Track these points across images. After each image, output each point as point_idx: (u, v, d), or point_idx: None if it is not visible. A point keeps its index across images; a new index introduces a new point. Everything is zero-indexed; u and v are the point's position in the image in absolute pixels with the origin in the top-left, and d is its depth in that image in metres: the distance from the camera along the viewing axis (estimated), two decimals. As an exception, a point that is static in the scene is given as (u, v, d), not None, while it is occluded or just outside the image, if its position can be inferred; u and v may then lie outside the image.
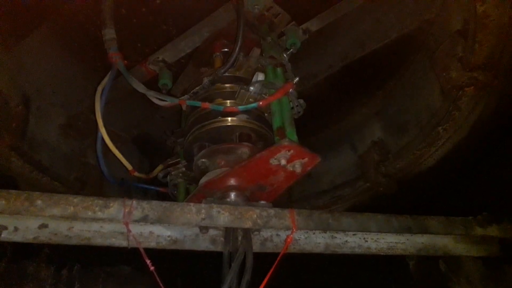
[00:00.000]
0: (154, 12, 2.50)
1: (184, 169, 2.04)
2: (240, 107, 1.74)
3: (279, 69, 1.90)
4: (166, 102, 1.79)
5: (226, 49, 2.27)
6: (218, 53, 2.25)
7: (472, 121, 2.13)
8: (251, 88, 1.75)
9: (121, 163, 2.09)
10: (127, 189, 2.85)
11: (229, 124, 1.90)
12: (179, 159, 2.07)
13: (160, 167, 2.23)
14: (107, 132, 2.77)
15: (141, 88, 1.81)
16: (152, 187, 2.43)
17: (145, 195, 2.91)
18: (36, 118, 2.43)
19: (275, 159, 1.58)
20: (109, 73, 1.95)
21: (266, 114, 1.90)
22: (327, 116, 3.04)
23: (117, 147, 2.80)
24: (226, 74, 2.00)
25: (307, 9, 2.26)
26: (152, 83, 2.26)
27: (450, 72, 1.97)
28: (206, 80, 1.82)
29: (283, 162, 1.56)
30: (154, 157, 3.04)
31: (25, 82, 2.36)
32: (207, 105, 1.75)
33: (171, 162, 2.08)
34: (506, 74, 1.88)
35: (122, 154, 2.81)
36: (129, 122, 2.87)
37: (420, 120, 2.48)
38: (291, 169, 1.61)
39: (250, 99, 1.78)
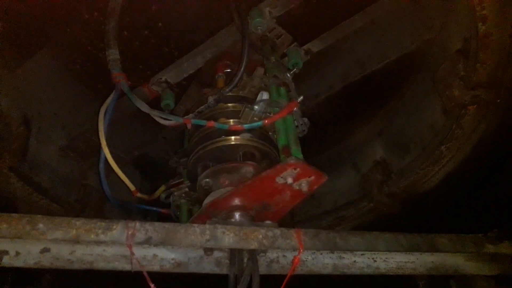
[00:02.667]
0: (156, 34, 2.53)
1: (187, 189, 2.02)
2: (246, 125, 1.73)
3: (282, 89, 1.90)
4: (170, 121, 1.78)
5: (228, 70, 2.29)
6: (220, 74, 2.25)
7: (475, 139, 2.14)
8: (256, 107, 1.75)
9: (124, 184, 2.04)
10: (127, 211, 2.81)
11: (233, 143, 1.88)
12: (182, 179, 2.04)
13: (162, 188, 2.20)
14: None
15: (144, 108, 1.81)
16: (154, 209, 2.40)
17: (145, 217, 2.87)
18: (36, 139, 2.41)
19: (281, 177, 1.56)
20: (113, 93, 1.94)
21: (270, 133, 1.89)
22: (329, 136, 3.04)
23: (120, 167, 2.79)
24: (230, 93, 2.01)
25: (307, 31, 2.29)
26: (154, 104, 2.27)
27: (453, 91, 1.98)
28: (211, 99, 1.82)
29: (289, 180, 1.54)
30: (155, 178, 3.02)
31: (26, 103, 2.37)
32: (212, 123, 1.74)
33: (174, 182, 2.05)
34: (509, 92, 1.90)
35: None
36: (130, 144, 2.85)
37: (423, 139, 2.48)
38: (297, 188, 1.59)
39: (255, 118, 1.77)
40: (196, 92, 2.33)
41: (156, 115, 1.79)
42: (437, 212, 2.50)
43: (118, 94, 1.92)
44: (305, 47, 2.22)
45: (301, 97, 1.78)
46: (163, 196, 2.14)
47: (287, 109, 1.71)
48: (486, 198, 2.27)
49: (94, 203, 2.55)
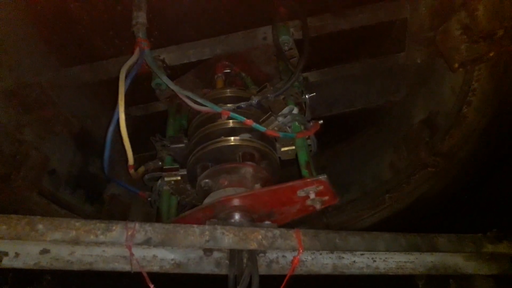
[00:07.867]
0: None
1: (179, 178, 1.90)
2: (281, 134, 1.76)
3: (296, 107, 1.99)
4: (204, 107, 1.69)
5: (228, 70, 2.29)
6: (220, 75, 2.25)
7: (416, 195, 2.51)
8: (280, 118, 1.80)
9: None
10: (56, 183, 2.46)
11: (232, 143, 1.87)
12: (177, 166, 1.93)
13: (142, 168, 2.03)
14: (58, 113, 2.41)
15: (172, 85, 1.69)
16: (132, 189, 2.18)
17: (73, 192, 2.56)
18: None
19: (303, 191, 1.63)
20: (134, 55, 1.77)
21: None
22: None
23: (59, 132, 2.46)
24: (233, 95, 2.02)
25: (312, 61, 2.42)
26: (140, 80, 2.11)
27: (420, 152, 2.33)
28: (255, 100, 1.79)
29: (312, 195, 1.62)
30: (89, 154, 2.73)
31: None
32: (250, 122, 1.72)
33: (166, 167, 1.91)
34: (459, 165, 2.31)
35: (58, 142, 2.48)
36: (79, 112, 2.56)
37: (364, 185, 2.80)
38: (311, 203, 1.67)
39: (275, 128, 1.81)
40: (192, 82, 2.26)
41: (186, 96, 1.69)
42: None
43: (142, 58, 1.76)
44: (305, 74, 2.37)
45: (321, 121, 1.89)
46: (147, 177, 1.97)
47: (314, 127, 1.81)
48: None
49: (32, 164, 2.18)
